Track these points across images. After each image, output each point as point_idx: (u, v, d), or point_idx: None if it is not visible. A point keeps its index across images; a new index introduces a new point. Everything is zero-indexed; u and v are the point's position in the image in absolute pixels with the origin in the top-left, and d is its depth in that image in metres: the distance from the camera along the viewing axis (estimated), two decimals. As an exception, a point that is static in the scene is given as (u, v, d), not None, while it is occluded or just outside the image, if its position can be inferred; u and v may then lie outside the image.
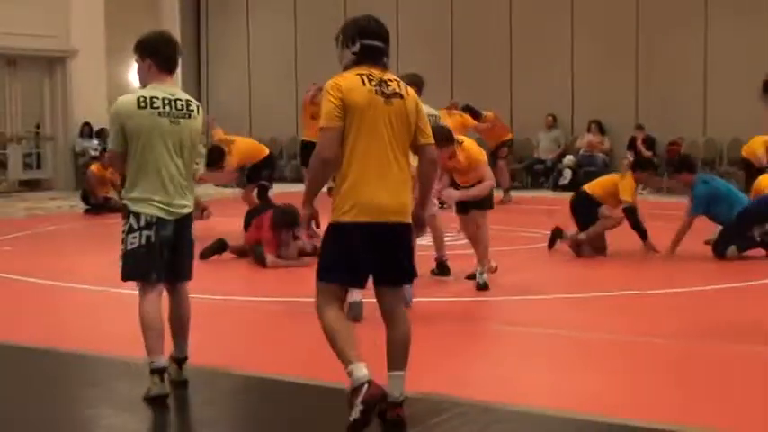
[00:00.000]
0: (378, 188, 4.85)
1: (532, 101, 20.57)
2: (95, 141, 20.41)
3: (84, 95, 20.83)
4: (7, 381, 6.14)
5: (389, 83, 4.96)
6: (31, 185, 21.58)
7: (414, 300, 8.48)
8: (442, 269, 9.41)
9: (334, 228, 4.94)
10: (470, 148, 8.98)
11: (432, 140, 5.09)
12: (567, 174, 19.81)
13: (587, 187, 11.48)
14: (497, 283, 8.99)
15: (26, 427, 5.21)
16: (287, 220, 10.31)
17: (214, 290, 8.64)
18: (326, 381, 5.56)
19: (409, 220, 5.02)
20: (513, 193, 17.71)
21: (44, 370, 6.32)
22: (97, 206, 16.23)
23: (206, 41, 24.54)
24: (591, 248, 10.96)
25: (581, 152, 20.02)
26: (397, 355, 4.98)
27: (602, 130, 19.87)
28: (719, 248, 10.66)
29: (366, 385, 4.65)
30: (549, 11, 20.39)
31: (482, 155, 9.08)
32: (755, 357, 6.38)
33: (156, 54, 5.56)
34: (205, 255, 10.55)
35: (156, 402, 5.36)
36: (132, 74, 5.71)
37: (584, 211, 11.18)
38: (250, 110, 24.05)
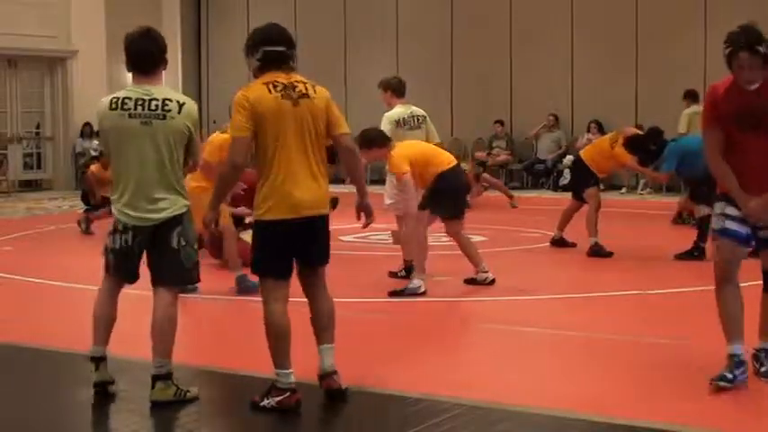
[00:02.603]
0: (293, 186, 5.21)
1: (532, 101, 20.55)
2: (96, 142, 20.38)
3: (85, 96, 20.79)
4: (7, 381, 6.14)
5: (296, 85, 5.30)
6: (31, 185, 21.60)
7: (412, 300, 8.46)
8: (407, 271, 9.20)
9: (258, 225, 5.32)
10: (393, 156, 8.65)
11: (346, 130, 5.44)
12: (568, 174, 19.77)
13: (583, 152, 11.62)
14: (497, 284, 8.98)
15: (25, 427, 5.21)
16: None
17: (213, 290, 8.64)
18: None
19: (325, 211, 5.35)
20: (514, 194, 17.65)
21: (44, 370, 6.33)
22: (97, 206, 16.15)
23: (206, 41, 24.51)
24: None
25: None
26: (326, 329, 5.43)
27: (602, 130, 19.85)
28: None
29: (288, 393, 5.21)
30: (549, 11, 20.37)
31: (401, 165, 8.56)
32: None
33: (126, 55, 5.43)
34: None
35: (95, 388, 5.42)
36: (132, 74, 5.58)
37: (575, 179, 11.69)
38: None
